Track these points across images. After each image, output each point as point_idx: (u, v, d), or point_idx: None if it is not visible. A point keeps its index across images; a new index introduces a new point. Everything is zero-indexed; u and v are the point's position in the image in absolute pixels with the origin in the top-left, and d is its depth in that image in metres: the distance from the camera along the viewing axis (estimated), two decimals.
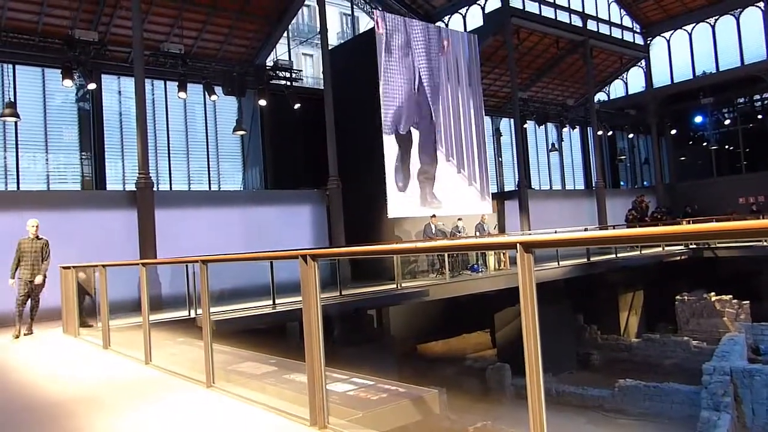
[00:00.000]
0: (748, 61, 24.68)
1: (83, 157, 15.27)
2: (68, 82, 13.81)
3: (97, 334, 7.39)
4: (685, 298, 18.89)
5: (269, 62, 17.71)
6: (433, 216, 15.37)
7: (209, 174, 17.33)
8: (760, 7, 24.07)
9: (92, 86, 14.66)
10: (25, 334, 8.45)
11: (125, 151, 15.76)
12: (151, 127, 15.18)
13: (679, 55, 26.90)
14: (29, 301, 8.64)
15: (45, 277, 8.61)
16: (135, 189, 12.95)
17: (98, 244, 12.04)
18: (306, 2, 18.55)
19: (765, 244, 16.91)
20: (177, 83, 15.53)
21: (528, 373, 2.29)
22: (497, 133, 25.22)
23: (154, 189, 13.25)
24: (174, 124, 16.73)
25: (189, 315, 9.44)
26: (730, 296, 18.05)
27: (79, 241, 11.86)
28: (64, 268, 8.79)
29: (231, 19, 16.65)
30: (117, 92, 15.86)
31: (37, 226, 8.59)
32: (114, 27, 14.97)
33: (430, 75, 17.59)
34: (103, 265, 7.07)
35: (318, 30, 17.14)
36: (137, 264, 6.56)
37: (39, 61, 14.28)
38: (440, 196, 17.35)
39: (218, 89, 16.21)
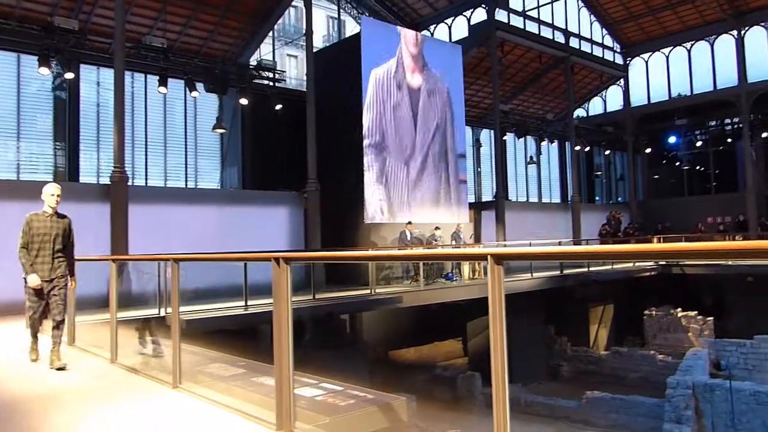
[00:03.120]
0: (721, 86, 25.36)
1: (57, 147, 14.98)
2: (45, 70, 13.54)
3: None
4: (653, 312, 19.27)
5: (253, 61, 17.63)
6: (409, 223, 15.41)
7: (186, 171, 17.15)
8: (733, 35, 24.77)
9: (70, 75, 14.42)
10: (58, 368, 5.31)
11: (101, 143, 15.51)
12: (129, 121, 14.96)
13: (657, 77, 27.50)
14: (46, 311, 5.66)
15: (74, 275, 5.80)
16: (109, 183, 12.74)
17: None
18: (293, 3, 18.51)
19: (730, 263, 17.33)
20: (158, 77, 15.34)
21: (494, 383, 2.33)
22: (477, 144, 25.44)
23: (129, 183, 13.06)
24: (153, 119, 16.52)
25: (159, 313, 9.31)
26: (695, 312, 18.47)
27: None
28: None
29: (216, 16, 16.53)
30: (95, 83, 15.62)
31: (59, 196, 5.77)
32: (95, 16, 14.75)
33: (413, 83, 17.67)
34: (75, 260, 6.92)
35: (304, 31, 17.10)
36: (107, 260, 6.47)
37: (15, 47, 13.98)
38: (416, 204, 17.41)
39: (200, 86, 16.07)
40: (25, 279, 5.49)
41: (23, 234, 5.52)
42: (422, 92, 17.95)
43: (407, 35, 17.88)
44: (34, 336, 5.81)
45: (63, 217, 5.81)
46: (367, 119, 16.41)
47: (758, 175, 25.22)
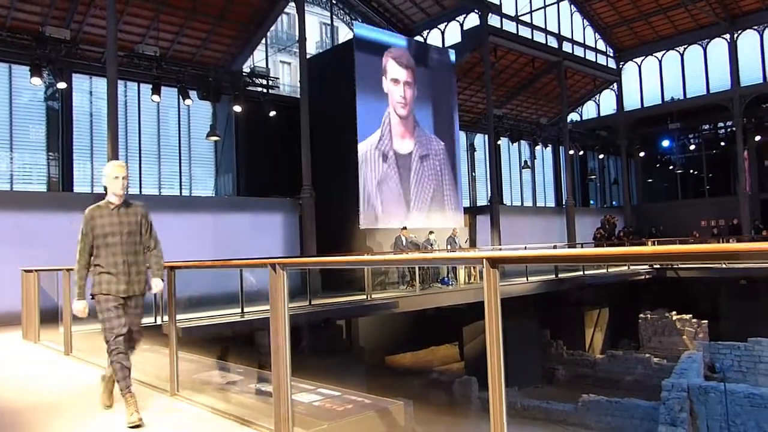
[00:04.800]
0: (714, 89, 25.55)
1: (50, 157, 14.94)
2: (37, 80, 13.51)
3: (59, 339, 7.22)
4: (648, 316, 19.32)
5: (246, 68, 17.65)
6: (404, 228, 15.43)
7: (181, 179, 17.13)
8: (726, 39, 24.98)
9: (62, 85, 14.40)
10: (134, 426, 3.67)
11: (95, 153, 15.49)
12: (122, 129, 14.93)
13: (650, 81, 27.69)
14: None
15: (163, 280, 4.31)
16: (103, 192, 12.70)
17: (64, 247, 11.75)
18: (286, 10, 18.57)
19: (724, 266, 17.42)
20: (151, 86, 15.34)
21: (491, 387, 2.35)
22: (471, 149, 25.52)
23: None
24: (146, 127, 16.51)
25: (155, 322, 9.27)
26: (690, 315, 18.53)
27: (45, 244, 11.58)
28: (26, 271, 8.58)
29: (209, 24, 16.56)
30: (88, 92, 15.61)
31: (126, 178, 4.24)
32: (87, 26, 14.76)
33: (403, 150, 17.60)
34: (67, 269, 6.93)
35: (297, 38, 17.16)
36: None
37: (6, 57, 13.96)
38: (412, 209, 17.45)
39: (193, 93, 16.07)
40: (92, 296, 3.95)
41: (82, 237, 3.95)
42: (414, 158, 17.67)
43: (394, 95, 17.37)
44: (124, 374, 3.91)
45: (132, 205, 4.16)
46: (362, 125, 16.45)
47: (751, 179, 25.41)
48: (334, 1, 21.16)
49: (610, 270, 19.05)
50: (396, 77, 17.52)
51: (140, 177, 16.31)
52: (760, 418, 11.35)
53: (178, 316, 4.60)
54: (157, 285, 4.17)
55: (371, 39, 17.22)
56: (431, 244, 15.75)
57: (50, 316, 8.12)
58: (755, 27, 24.32)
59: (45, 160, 14.90)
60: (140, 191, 16.10)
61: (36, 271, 8.23)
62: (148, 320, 9.30)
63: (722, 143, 27.44)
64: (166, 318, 8.20)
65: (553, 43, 24.63)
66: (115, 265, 3.94)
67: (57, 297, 7.95)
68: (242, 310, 10.10)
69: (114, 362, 3.89)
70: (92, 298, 3.94)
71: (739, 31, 24.67)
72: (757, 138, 25.69)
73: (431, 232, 16.06)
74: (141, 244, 4.07)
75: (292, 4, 16.92)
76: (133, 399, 3.80)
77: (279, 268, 3.31)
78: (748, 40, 24.60)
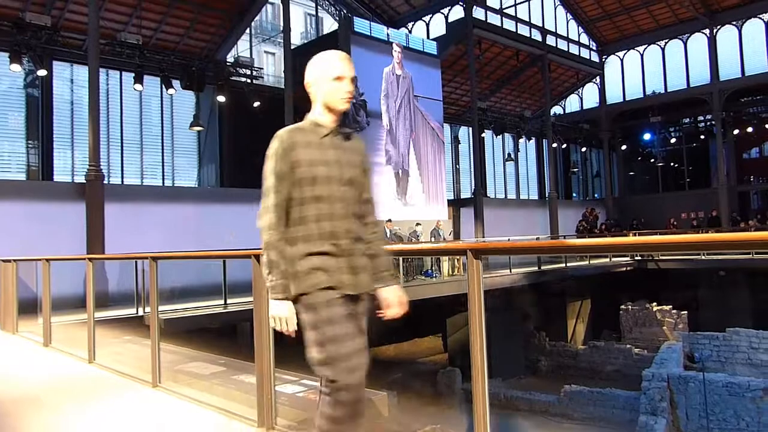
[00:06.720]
0: (694, 84, 25.84)
1: (30, 145, 14.69)
2: (16, 67, 13.25)
3: (38, 330, 7.13)
4: (629, 307, 19.58)
5: (230, 58, 17.47)
6: (389, 221, 15.44)
7: (163, 169, 16.94)
8: (705, 34, 25.27)
9: (42, 72, 14.13)
10: None
11: (75, 142, 15.25)
12: (104, 118, 14.71)
13: (632, 74, 27.92)
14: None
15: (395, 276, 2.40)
16: (84, 181, 12.54)
17: (43, 237, 11.61)
18: (270, 0, 18.39)
19: (703, 257, 17.70)
20: (133, 74, 15.13)
21: (474, 378, 2.36)
22: (455, 141, 25.56)
23: (105, 182, 12.87)
24: (128, 116, 16.28)
25: (137, 313, 9.22)
26: (670, 306, 18.82)
27: (23, 234, 11.41)
28: (4, 261, 8.45)
29: (192, 12, 16.34)
30: (69, 80, 15.34)
31: (354, 79, 2.31)
32: (69, 12, 14.48)
33: (393, 83, 17.70)
34: (47, 259, 6.84)
35: (281, 28, 17.01)
36: (83, 259, 6.38)
37: None
38: (395, 202, 17.47)
39: (176, 83, 15.87)
40: (294, 299, 2.19)
41: (276, 180, 2.12)
42: (402, 90, 17.95)
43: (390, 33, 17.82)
44: None
45: (353, 135, 2.35)
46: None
47: (730, 172, 25.81)
48: None
49: (592, 262, 19.27)
50: (398, 73, 17.87)
51: (122, 166, 16.11)
52: (738, 406, 11.60)
53: (161, 308, 4.56)
54: (394, 298, 2.27)
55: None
56: (418, 236, 15.78)
57: (29, 307, 8.02)
58: (734, 22, 24.60)
59: (24, 148, 14.65)
60: (122, 180, 15.92)
61: (14, 260, 8.10)
62: (129, 311, 9.24)
63: (702, 136, 27.82)
64: (148, 309, 8.15)
65: (537, 36, 24.69)
66: (333, 236, 2.13)
67: (36, 287, 7.85)
68: (225, 301, 10.05)
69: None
70: (295, 302, 2.15)
71: (719, 26, 24.94)
72: (736, 131, 26.05)
73: (418, 224, 16.09)
74: (364, 201, 2.28)
75: None
76: None
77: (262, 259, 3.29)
78: (727, 35, 24.88)
